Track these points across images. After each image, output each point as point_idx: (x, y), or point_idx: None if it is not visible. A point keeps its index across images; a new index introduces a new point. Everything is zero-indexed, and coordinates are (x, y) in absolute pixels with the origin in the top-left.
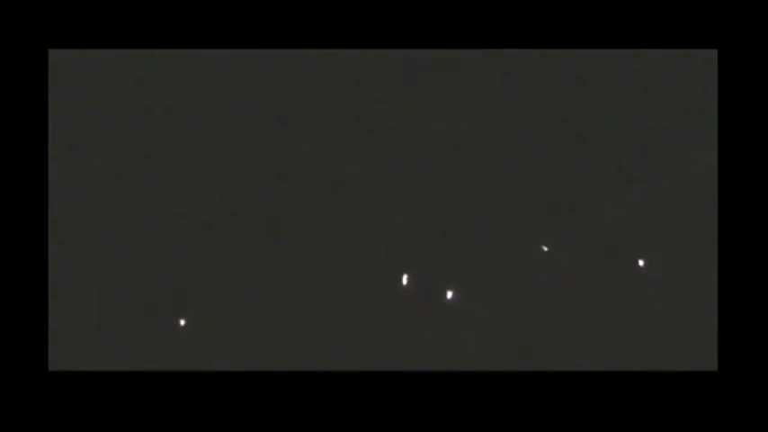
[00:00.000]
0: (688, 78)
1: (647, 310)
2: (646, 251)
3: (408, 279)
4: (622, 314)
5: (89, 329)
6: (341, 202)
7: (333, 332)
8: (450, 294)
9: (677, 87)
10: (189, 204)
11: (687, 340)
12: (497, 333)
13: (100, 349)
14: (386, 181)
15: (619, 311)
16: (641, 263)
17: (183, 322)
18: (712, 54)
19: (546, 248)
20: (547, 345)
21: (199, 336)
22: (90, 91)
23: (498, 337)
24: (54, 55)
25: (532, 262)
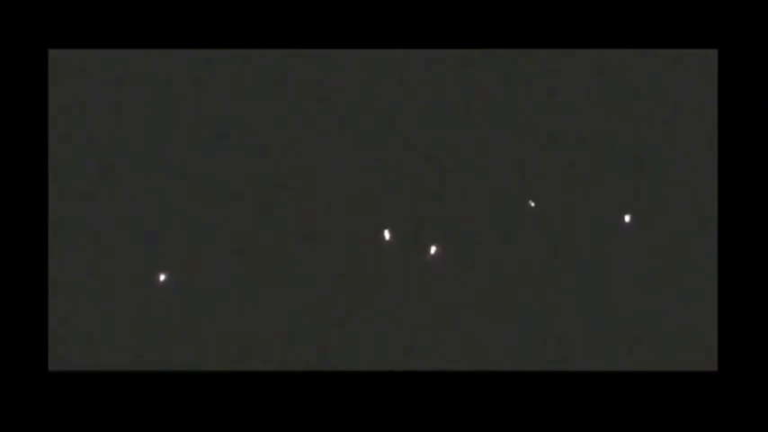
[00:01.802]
0: (688, 78)
1: (647, 311)
2: (646, 251)
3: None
4: (623, 314)
5: (89, 329)
6: (340, 200)
7: (328, 332)
8: (433, 250)
9: (677, 87)
10: (189, 204)
11: (687, 340)
12: (498, 333)
13: (100, 349)
14: (383, 180)
15: (619, 312)
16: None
17: (163, 277)
18: (712, 54)
19: (533, 204)
20: (547, 345)
21: (198, 336)
22: (90, 91)
23: (499, 337)
24: (54, 55)
25: (532, 262)
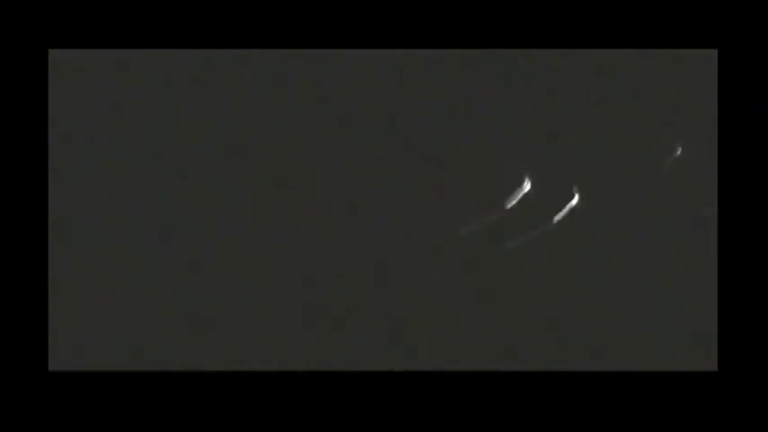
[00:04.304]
0: (688, 78)
1: (647, 310)
2: (646, 251)
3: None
4: (623, 314)
5: (89, 329)
6: (340, 200)
7: (329, 332)
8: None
9: (677, 87)
10: (189, 204)
11: (687, 340)
12: (498, 333)
13: (100, 349)
14: (383, 180)
15: (619, 312)
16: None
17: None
18: (712, 54)
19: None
20: (547, 345)
21: (199, 336)
22: (90, 91)
23: (499, 337)
24: (54, 55)
25: (533, 260)
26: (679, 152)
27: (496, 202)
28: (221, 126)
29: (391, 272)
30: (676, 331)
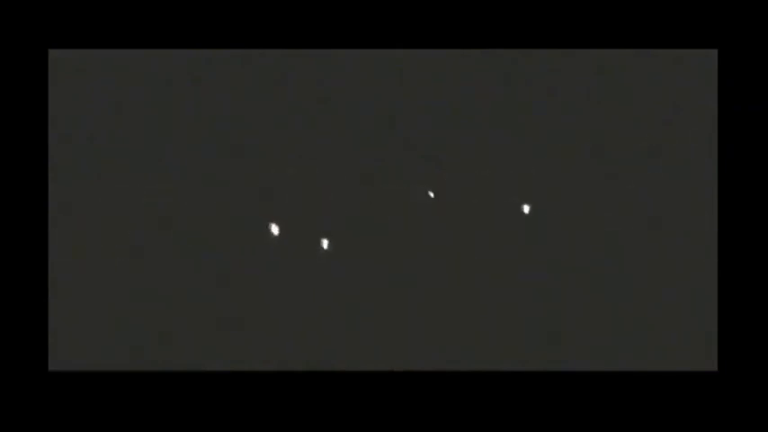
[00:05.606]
0: (688, 78)
1: (647, 310)
2: (646, 251)
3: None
4: (623, 314)
5: (89, 329)
6: (340, 200)
7: (329, 332)
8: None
9: (677, 87)
10: (189, 204)
11: (687, 340)
12: (498, 333)
13: (100, 349)
14: (383, 180)
15: (619, 311)
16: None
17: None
18: (712, 54)
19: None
20: (547, 345)
21: (199, 336)
22: (90, 91)
23: (499, 337)
24: (54, 55)
25: (534, 261)
26: None
27: (495, 203)
28: (221, 126)
29: (391, 271)
30: (676, 331)
